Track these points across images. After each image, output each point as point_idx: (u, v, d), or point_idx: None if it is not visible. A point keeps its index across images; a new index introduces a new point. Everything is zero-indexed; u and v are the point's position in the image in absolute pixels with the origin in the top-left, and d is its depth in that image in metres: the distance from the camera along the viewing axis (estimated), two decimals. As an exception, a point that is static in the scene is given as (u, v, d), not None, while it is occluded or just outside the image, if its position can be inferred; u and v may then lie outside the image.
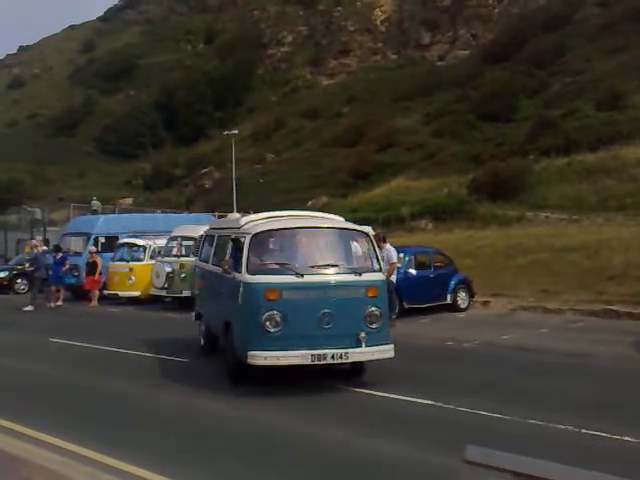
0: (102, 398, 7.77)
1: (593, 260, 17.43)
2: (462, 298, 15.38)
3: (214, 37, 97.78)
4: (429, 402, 7.20)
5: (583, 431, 6.15)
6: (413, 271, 14.83)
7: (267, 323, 7.44)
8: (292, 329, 7.48)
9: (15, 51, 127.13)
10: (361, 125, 58.12)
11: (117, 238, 20.45)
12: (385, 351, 7.80)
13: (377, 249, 8.21)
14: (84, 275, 19.50)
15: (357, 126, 58.43)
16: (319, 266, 7.92)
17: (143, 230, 20.64)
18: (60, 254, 19.65)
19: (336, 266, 7.97)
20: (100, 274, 19.12)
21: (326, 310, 7.50)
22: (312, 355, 7.43)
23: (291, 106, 74.49)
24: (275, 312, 7.45)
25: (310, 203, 44.55)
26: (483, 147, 43.74)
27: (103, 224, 22.02)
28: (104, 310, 17.80)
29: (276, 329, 7.45)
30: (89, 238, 20.99)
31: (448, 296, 15.11)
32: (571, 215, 27.46)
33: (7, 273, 23.47)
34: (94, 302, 18.80)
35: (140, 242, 19.38)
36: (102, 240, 21.03)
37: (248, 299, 7.66)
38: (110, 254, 19.70)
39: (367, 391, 7.78)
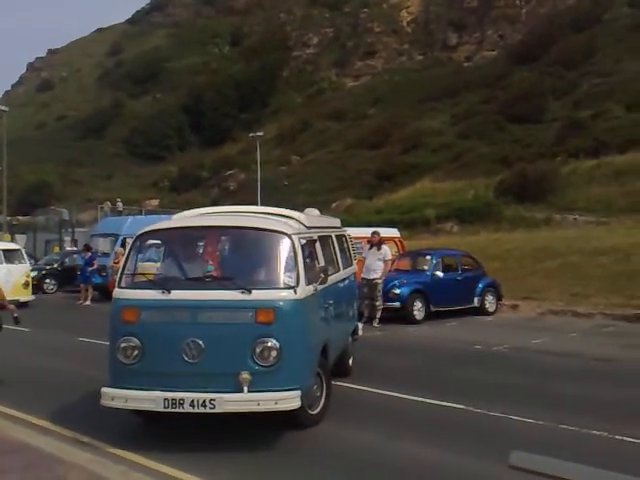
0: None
1: (624, 264, 17.22)
2: (490, 301, 15.28)
3: (240, 40, 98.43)
4: (460, 406, 7.13)
5: (617, 437, 6.07)
6: (440, 273, 14.78)
7: (121, 352, 5.82)
8: (150, 362, 5.77)
9: (44, 54, 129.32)
10: (386, 126, 58.04)
11: (145, 239, 20.58)
12: (282, 400, 5.63)
13: (300, 257, 6.02)
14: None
15: (382, 127, 58.36)
16: (199, 279, 6.20)
17: (170, 231, 20.76)
18: (89, 254, 19.92)
19: (225, 279, 6.07)
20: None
21: (193, 339, 5.66)
22: (165, 399, 5.61)
23: (316, 108, 74.63)
24: (131, 338, 5.81)
25: (335, 205, 44.49)
26: (511, 149, 43.48)
27: (131, 225, 22.16)
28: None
29: (131, 361, 5.80)
30: (117, 239, 21.22)
31: (475, 299, 15.02)
32: (599, 218, 27.15)
33: (36, 273, 23.79)
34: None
35: (167, 243, 19.48)
36: (129, 241, 21.21)
37: (110, 320, 6.08)
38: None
39: (396, 394, 7.71)
